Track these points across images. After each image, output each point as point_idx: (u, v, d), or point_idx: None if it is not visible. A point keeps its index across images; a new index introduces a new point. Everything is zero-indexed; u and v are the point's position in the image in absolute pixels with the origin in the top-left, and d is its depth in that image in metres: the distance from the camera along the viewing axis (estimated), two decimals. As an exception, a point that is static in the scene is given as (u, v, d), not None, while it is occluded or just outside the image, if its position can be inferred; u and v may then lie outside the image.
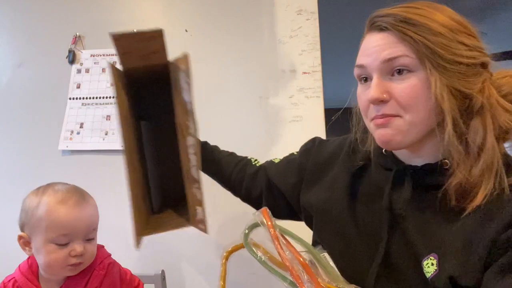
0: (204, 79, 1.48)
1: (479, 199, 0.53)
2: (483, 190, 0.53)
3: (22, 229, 0.85)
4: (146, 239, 1.42)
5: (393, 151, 0.67)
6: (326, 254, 0.66)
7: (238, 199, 1.39)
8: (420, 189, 0.61)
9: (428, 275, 0.56)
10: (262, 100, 1.43)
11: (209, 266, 1.34)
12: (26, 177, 1.46)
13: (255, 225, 0.61)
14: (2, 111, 1.55)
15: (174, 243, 1.36)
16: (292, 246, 0.58)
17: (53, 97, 1.52)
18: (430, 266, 0.56)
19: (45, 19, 1.61)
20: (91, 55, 1.54)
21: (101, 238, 0.95)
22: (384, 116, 0.58)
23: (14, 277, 0.85)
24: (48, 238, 0.78)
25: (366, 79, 0.62)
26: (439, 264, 0.55)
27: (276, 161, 0.95)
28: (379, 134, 0.60)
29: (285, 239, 0.59)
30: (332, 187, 0.75)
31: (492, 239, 0.51)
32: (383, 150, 0.68)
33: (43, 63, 1.56)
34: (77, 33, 1.56)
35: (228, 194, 1.38)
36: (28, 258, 0.88)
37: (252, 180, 0.95)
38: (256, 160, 1.00)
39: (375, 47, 0.59)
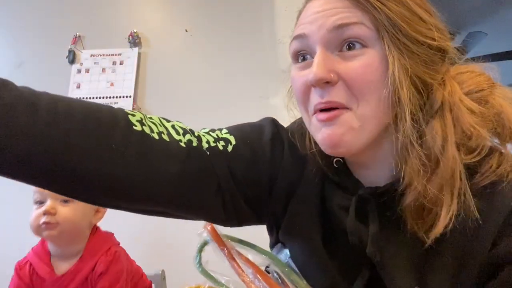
0: (204, 79, 1.48)
1: (441, 223, 0.41)
2: (446, 212, 0.41)
3: None
4: (146, 239, 1.43)
5: (346, 161, 0.51)
6: (290, 261, 0.54)
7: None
8: (387, 216, 0.47)
9: None
10: (262, 100, 1.43)
11: (209, 266, 1.34)
12: (26, 177, 1.47)
13: (203, 245, 0.52)
14: (2, 111, 1.55)
15: (174, 243, 1.36)
16: (252, 265, 0.48)
17: (53, 97, 1.52)
18: None
19: (45, 19, 1.61)
20: (91, 55, 1.54)
21: (101, 238, 0.95)
22: (328, 105, 0.43)
23: (28, 260, 0.91)
24: (33, 200, 0.88)
25: (305, 57, 0.46)
26: None
27: (220, 147, 0.54)
28: (324, 134, 0.44)
29: (241, 255, 0.50)
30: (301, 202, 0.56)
31: (478, 265, 0.43)
32: (334, 161, 0.51)
33: (43, 63, 1.56)
34: (77, 33, 1.56)
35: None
36: (42, 240, 0.93)
37: None
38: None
39: (320, 12, 0.44)
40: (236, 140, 0.53)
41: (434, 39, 0.44)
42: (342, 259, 0.52)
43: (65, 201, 0.88)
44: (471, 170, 0.44)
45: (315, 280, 0.53)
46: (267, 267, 0.52)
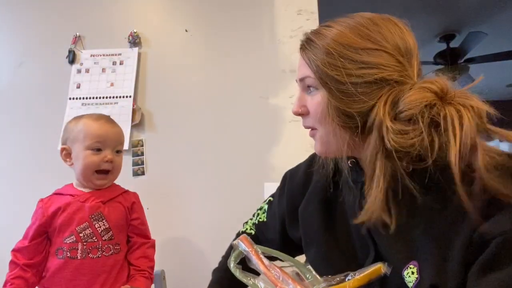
0: (204, 79, 1.48)
1: (390, 219, 0.55)
2: (367, 208, 0.56)
3: (63, 145, 1.04)
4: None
5: (359, 161, 0.66)
6: (310, 267, 0.65)
7: (240, 201, 1.39)
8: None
9: (410, 285, 0.54)
10: (262, 100, 1.43)
11: (210, 265, 1.33)
12: (26, 177, 1.46)
13: (239, 255, 0.62)
14: (2, 111, 1.55)
15: (174, 243, 1.36)
16: (276, 266, 0.59)
17: (53, 97, 1.52)
18: (411, 275, 0.54)
19: (45, 19, 1.61)
20: (91, 55, 1.54)
21: (101, 238, 0.95)
22: (305, 127, 0.65)
23: (52, 194, 1.04)
24: (85, 145, 1.00)
25: None
26: (420, 271, 0.54)
27: (262, 218, 0.89)
28: (314, 146, 0.65)
29: (268, 260, 0.61)
30: (307, 215, 0.74)
31: (466, 241, 0.50)
32: (349, 162, 0.67)
33: (43, 63, 1.56)
34: (77, 33, 1.56)
35: (230, 194, 1.39)
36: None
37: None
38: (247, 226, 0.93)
39: (297, 67, 0.64)
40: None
41: (363, 76, 0.55)
42: (349, 246, 0.65)
43: (117, 152, 1.05)
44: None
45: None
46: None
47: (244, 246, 0.62)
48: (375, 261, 0.59)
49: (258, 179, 1.36)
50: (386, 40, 0.57)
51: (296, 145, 1.36)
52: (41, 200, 1.03)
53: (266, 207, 0.88)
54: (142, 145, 1.44)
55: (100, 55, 1.54)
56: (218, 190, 1.39)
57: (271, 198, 0.88)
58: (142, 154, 1.43)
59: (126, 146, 1.43)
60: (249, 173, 1.37)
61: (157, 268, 1.18)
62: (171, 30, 1.55)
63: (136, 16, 1.56)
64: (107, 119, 1.06)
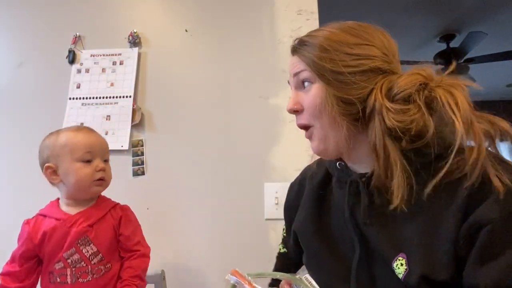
0: (204, 79, 1.48)
1: (396, 198, 0.56)
2: (397, 187, 0.56)
3: (46, 163, 0.99)
4: (146, 239, 1.43)
5: (347, 163, 0.70)
6: (307, 276, 0.68)
7: (240, 202, 1.39)
8: (375, 193, 0.63)
9: (400, 276, 0.56)
10: (262, 100, 1.43)
11: (209, 265, 1.34)
12: (26, 177, 1.46)
13: (232, 286, 0.64)
14: (2, 111, 1.55)
15: (174, 243, 1.36)
16: None
17: (53, 97, 1.52)
18: (400, 267, 0.57)
19: (45, 19, 1.61)
20: (91, 55, 1.54)
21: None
22: (300, 126, 0.67)
23: (37, 214, 1.00)
24: (74, 158, 0.96)
25: None
26: (409, 263, 0.56)
27: (284, 233, 0.94)
28: (311, 146, 0.67)
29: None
30: (301, 215, 0.78)
31: (453, 233, 0.52)
32: (337, 164, 0.71)
33: (43, 63, 1.56)
34: (77, 33, 1.56)
35: (230, 194, 1.39)
36: (55, 201, 1.03)
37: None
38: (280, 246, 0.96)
39: (289, 67, 0.69)
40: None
41: (358, 66, 0.60)
42: (340, 245, 0.68)
43: (105, 160, 1.02)
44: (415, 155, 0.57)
45: (318, 275, 0.68)
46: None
47: (236, 278, 0.63)
48: (360, 259, 0.63)
49: (258, 179, 1.36)
50: (373, 37, 0.63)
51: (296, 145, 1.36)
52: (27, 222, 0.98)
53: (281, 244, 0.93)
54: (142, 145, 1.44)
55: (100, 55, 1.54)
56: (218, 190, 1.39)
57: (284, 234, 0.92)
58: (142, 154, 1.44)
59: (126, 146, 1.43)
60: (249, 173, 1.37)
61: (157, 268, 1.18)
62: (171, 30, 1.55)
63: (136, 16, 1.56)
64: (88, 129, 1.03)
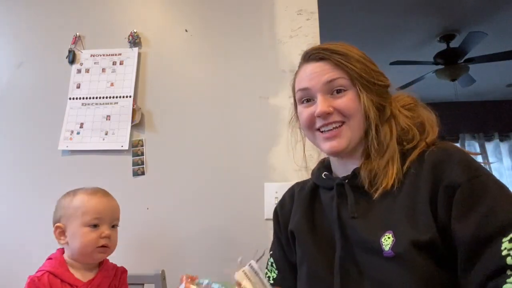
0: (204, 79, 1.48)
1: (390, 178, 0.70)
2: (392, 173, 0.70)
3: (57, 223, 1.01)
4: (146, 239, 1.43)
5: (332, 169, 0.85)
6: (253, 263, 0.70)
7: (240, 202, 1.39)
8: (359, 191, 0.75)
9: (387, 247, 0.65)
10: (262, 100, 1.43)
11: (210, 265, 1.34)
12: (26, 177, 1.46)
13: None
14: (2, 111, 1.55)
15: (174, 243, 1.36)
16: None
17: (53, 97, 1.52)
18: (387, 240, 0.66)
19: (45, 19, 1.61)
20: (91, 55, 1.54)
21: (101, 238, 0.96)
22: (333, 123, 0.76)
23: (45, 270, 0.95)
24: (83, 222, 0.97)
25: (308, 100, 0.79)
26: (396, 235, 0.65)
27: (273, 276, 0.93)
28: (329, 146, 0.76)
29: None
30: (296, 216, 0.86)
31: (427, 195, 0.65)
32: (322, 174, 0.84)
33: (43, 63, 1.56)
34: (77, 33, 1.56)
35: (230, 194, 1.39)
36: (52, 256, 1.01)
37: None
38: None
39: (315, 73, 0.77)
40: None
41: (381, 81, 0.78)
42: (328, 243, 0.76)
43: (113, 226, 1.03)
44: (409, 151, 0.73)
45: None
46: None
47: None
48: (343, 252, 0.71)
49: (258, 179, 1.36)
50: None
51: (296, 145, 1.36)
52: (38, 279, 0.93)
53: (270, 262, 0.92)
54: (142, 145, 1.44)
55: (100, 55, 1.54)
56: (218, 190, 1.39)
57: (270, 252, 0.94)
58: (142, 154, 1.44)
59: (126, 146, 1.43)
60: (249, 173, 1.37)
61: (157, 268, 1.18)
62: (171, 30, 1.55)
63: (136, 16, 1.56)
64: (104, 193, 1.05)
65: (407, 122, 0.75)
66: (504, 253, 0.55)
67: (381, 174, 0.71)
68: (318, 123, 0.77)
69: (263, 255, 0.73)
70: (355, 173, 0.76)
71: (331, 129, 0.76)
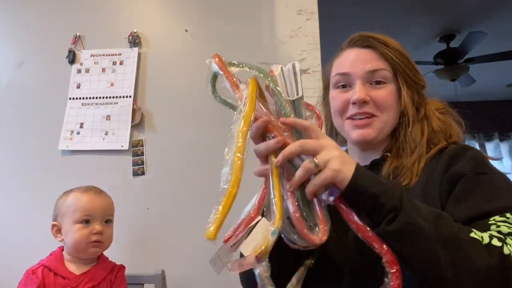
0: (204, 79, 1.48)
1: (414, 176, 0.69)
2: (416, 173, 0.69)
3: (54, 221, 1.06)
4: (146, 239, 1.42)
5: (366, 149, 0.82)
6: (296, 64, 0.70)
7: (240, 202, 1.38)
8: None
9: None
10: (262, 100, 1.42)
11: (209, 266, 1.34)
12: (26, 177, 1.46)
13: (214, 76, 0.62)
14: (2, 111, 1.55)
15: (174, 243, 1.36)
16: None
17: (53, 97, 1.52)
18: None
19: (45, 19, 1.61)
20: (91, 55, 1.54)
21: (101, 238, 0.95)
22: (365, 114, 0.73)
23: (41, 264, 1.01)
24: (74, 220, 1.01)
25: (344, 86, 0.76)
26: None
27: None
28: (359, 133, 0.74)
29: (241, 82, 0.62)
30: None
31: (439, 185, 0.65)
32: None
33: (43, 63, 1.56)
34: (77, 33, 1.56)
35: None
36: (52, 253, 1.06)
37: None
38: None
39: (359, 60, 0.75)
40: None
41: (420, 80, 0.78)
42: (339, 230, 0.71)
43: (106, 222, 1.06)
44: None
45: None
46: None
47: (217, 67, 0.60)
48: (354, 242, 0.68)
49: (258, 179, 1.36)
50: None
51: (296, 145, 1.36)
52: (33, 272, 0.99)
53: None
54: (142, 145, 1.44)
55: (100, 55, 1.54)
56: (218, 189, 1.39)
57: None
58: (142, 154, 1.44)
59: (126, 146, 1.43)
60: (249, 173, 1.37)
61: (157, 268, 1.18)
62: (171, 30, 1.55)
63: (136, 16, 1.56)
64: (96, 191, 1.08)
65: (439, 125, 0.75)
66: (490, 222, 0.56)
67: (406, 171, 0.71)
68: (351, 111, 0.75)
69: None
70: (374, 164, 0.76)
71: (362, 118, 0.74)
